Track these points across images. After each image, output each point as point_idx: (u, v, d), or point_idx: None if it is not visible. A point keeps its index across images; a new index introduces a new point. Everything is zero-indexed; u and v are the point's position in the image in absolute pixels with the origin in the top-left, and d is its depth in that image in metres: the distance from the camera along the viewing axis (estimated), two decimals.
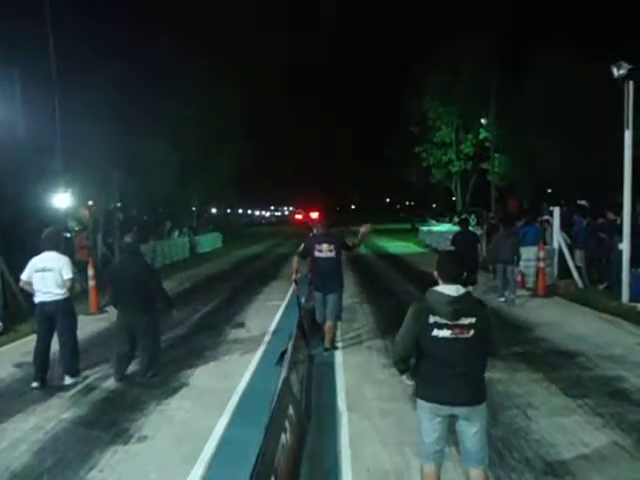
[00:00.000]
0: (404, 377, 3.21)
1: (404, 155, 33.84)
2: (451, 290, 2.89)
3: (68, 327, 6.02)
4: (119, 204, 18.32)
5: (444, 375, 2.90)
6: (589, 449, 4.01)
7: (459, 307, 2.84)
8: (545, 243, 11.34)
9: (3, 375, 6.36)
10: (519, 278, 11.37)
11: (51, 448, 4.33)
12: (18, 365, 6.77)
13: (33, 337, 8.30)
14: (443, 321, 2.85)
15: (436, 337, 2.86)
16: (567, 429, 4.36)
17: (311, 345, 6.94)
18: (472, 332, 2.85)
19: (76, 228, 14.65)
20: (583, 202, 12.39)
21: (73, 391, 5.69)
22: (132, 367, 6.19)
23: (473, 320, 2.85)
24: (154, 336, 6.12)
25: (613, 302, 9.20)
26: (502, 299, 10.03)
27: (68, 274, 5.93)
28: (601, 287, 10.32)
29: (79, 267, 11.11)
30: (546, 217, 11.90)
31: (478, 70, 25.59)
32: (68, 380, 5.94)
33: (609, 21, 20.93)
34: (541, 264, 10.51)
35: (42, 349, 5.93)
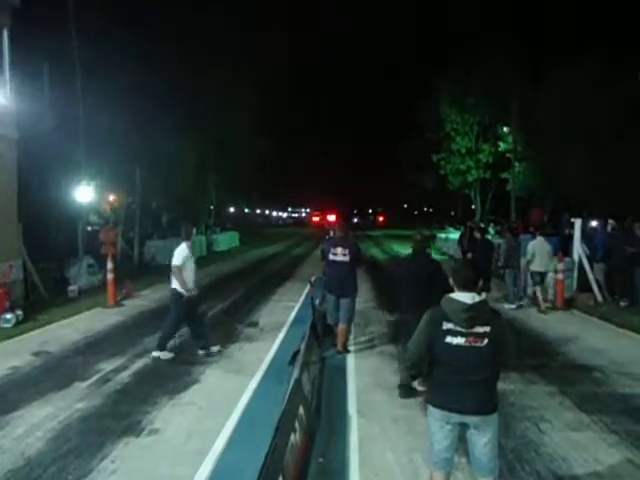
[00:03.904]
0: (416, 383, 3.20)
1: (421, 162, 33.63)
2: (466, 298, 2.87)
3: (172, 311, 6.74)
4: (131, 200, 18.55)
5: (456, 383, 2.88)
6: (602, 466, 3.93)
7: (474, 315, 2.83)
8: (565, 255, 11.16)
9: (21, 363, 6.50)
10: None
11: (65, 436, 4.42)
12: (36, 354, 6.92)
13: (52, 327, 8.54)
14: (457, 328, 2.84)
15: (449, 344, 2.84)
16: (580, 444, 4.29)
17: (323, 347, 6.95)
18: (486, 341, 2.82)
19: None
20: (611, 222, 12.05)
21: (88, 382, 5.79)
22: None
23: (487, 329, 2.83)
24: None
25: (633, 317, 9.00)
26: (513, 306, 10.09)
27: (173, 261, 6.48)
28: (622, 304, 10.05)
29: (102, 262, 11.34)
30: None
31: (497, 79, 25.36)
32: (155, 353, 6.58)
33: (630, 33, 20.61)
34: (560, 276, 10.35)
35: (187, 326, 6.96)
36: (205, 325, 7.26)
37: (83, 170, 13.67)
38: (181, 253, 6.54)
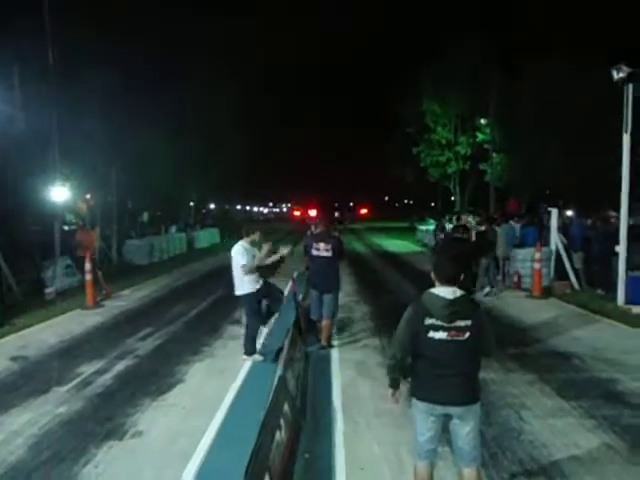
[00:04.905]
0: (393, 392, 3.17)
1: (402, 154, 33.85)
2: (447, 293, 2.90)
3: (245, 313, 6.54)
4: (110, 199, 18.21)
5: (439, 375, 2.92)
6: (581, 451, 4.03)
7: (455, 310, 2.86)
8: (542, 244, 11.38)
9: None
10: (516, 279, 11.49)
11: (46, 442, 4.34)
12: (14, 359, 6.77)
13: (29, 330, 8.36)
14: (439, 323, 2.87)
15: (432, 339, 2.88)
16: (560, 430, 4.39)
17: (307, 343, 6.96)
18: (467, 334, 2.87)
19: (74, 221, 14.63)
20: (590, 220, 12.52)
21: (68, 386, 5.70)
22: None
23: (469, 322, 2.87)
24: None
25: (609, 304, 9.23)
26: (487, 289, 10.56)
27: (241, 261, 6.19)
28: (600, 292, 10.26)
29: (80, 262, 11.13)
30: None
31: (476, 72, 25.65)
32: (244, 356, 6.35)
33: (607, 25, 21.01)
34: (537, 265, 10.53)
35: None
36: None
37: (58, 170, 13.35)
38: (240, 252, 6.27)
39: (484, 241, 10.67)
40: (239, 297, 6.44)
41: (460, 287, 2.96)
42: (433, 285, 3.01)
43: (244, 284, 6.30)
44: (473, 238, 9.29)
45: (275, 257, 6.71)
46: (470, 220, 11.08)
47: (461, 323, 2.86)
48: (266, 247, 6.58)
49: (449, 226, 11.27)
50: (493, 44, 24.72)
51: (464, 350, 2.89)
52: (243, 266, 6.17)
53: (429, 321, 2.88)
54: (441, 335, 2.86)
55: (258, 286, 6.38)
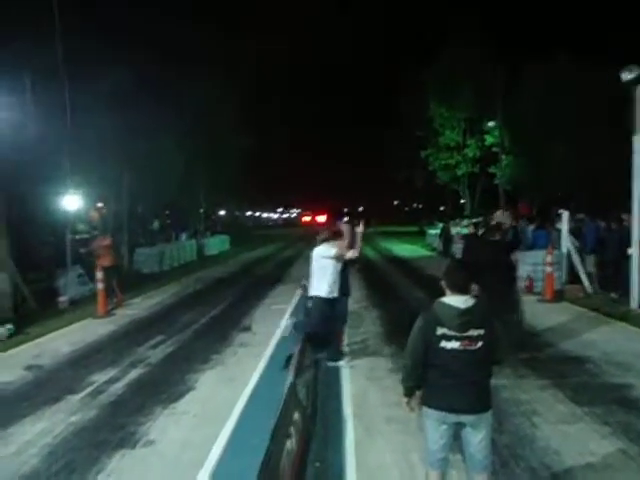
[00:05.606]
0: (408, 400, 3.16)
1: (411, 159, 33.84)
2: (459, 302, 2.88)
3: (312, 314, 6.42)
4: (120, 207, 18.34)
5: (451, 384, 2.90)
6: (595, 458, 3.98)
7: (468, 319, 2.84)
8: (554, 247, 11.28)
9: (13, 378, 6.44)
10: (527, 283, 11.37)
11: (59, 452, 4.38)
12: (28, 368, 6.86)
13: (43, 339, 8.47)
14: (451, 333, 2.84)
15: (444, 348, 2.86)
16: (573, 437, 4.34)
17: (317, 350, 6.94)
18: (480, 344, 2.84)
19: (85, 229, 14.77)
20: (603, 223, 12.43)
21: (81, 394, 5.75)
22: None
23: (482, 332, 2.85)
24: None
25: (622, 308, 9.12)
26: None
27: (329, 252, 6.22)
28: (613, 295, 10.10)
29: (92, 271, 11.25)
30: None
31: (482, 75, 25.59)
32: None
33: (612, 27, 20.92)
34: (549, 269, 10.44)
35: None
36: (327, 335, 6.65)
37: (69, 178, 13.51)
38: (325, 249, 6.29)
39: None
40: (310, 297, 6.42)
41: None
42: (443, 293, 3.01)
43: (319, 288, 6.27)
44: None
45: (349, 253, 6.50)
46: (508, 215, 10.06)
47: (474, 333, 2.84)
48: (359, 229, 6.49)
49: (461, 230, 11.03)
50: (497, 44, 24.76)
51: (476, 359, 2.87)
52: (333, 255, 6.21)
53: (441, 331, 2.86)
54: (453, 345, 2.84)
55: (327, 293, 6.25)
